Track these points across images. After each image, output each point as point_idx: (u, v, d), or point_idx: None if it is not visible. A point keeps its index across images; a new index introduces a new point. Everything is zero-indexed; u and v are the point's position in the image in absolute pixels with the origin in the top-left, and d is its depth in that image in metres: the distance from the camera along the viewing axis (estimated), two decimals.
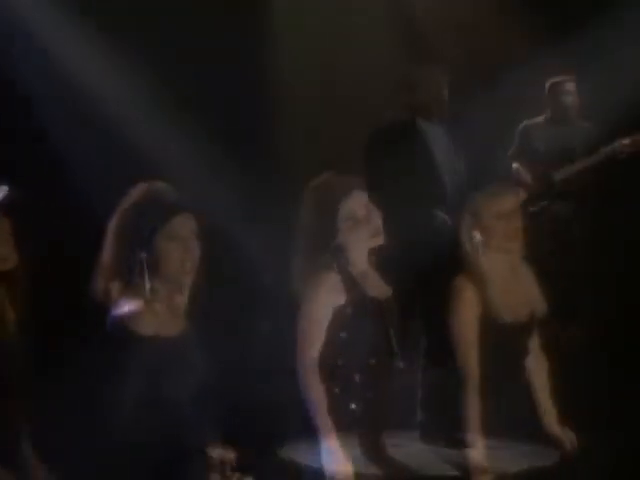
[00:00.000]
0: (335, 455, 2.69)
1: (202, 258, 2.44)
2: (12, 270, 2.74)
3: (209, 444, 2.45)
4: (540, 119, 5.45)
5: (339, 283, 2.82)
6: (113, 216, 2.43)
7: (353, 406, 2.83)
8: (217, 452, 2.46)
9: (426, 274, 3.82)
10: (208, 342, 2.59)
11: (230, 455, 2.49)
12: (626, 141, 5.11)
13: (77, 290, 2.60)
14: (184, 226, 2.42)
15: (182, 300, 2.49)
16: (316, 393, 2.76)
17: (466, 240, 3.20)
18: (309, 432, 2.73)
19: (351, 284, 2.82)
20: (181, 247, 2.40)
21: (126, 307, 2.38)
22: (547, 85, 5.38)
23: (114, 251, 2.42)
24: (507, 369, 3.14)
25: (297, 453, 2.72)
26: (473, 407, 2.99)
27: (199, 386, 2.49)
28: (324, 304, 2.82)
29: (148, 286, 2.38)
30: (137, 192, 2.44)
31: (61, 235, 3.42)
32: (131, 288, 2.41)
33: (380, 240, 2.90)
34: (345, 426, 2.78)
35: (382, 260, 2.96)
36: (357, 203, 2.87)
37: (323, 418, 2.73)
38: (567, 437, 3.15)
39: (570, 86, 5.31)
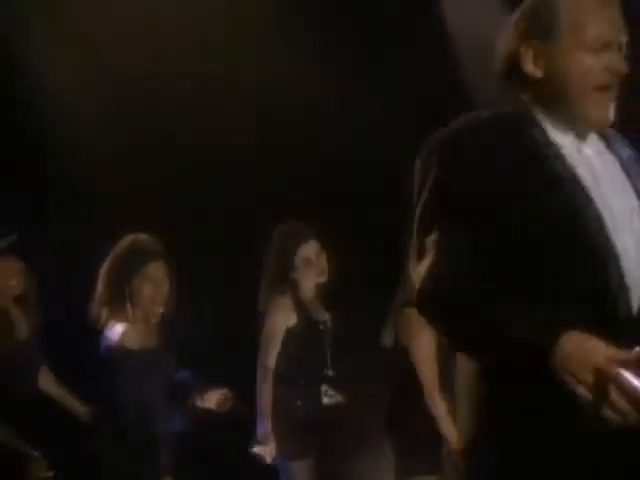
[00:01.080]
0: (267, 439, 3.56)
1: (171, 292, 3.25)
2: (23, 294, 3.53)
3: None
4: None
5: (291, 307, 3.67)
6: (105, 260, 3.24)
7: (299, 403, 3.66)
8: None
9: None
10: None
11: None
12: None
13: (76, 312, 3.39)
14: (157, 270, 3.23)
15: (156, 322, 3.32)
16: (266, 392, 3.60)
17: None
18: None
19: (300, 308, 3.67)
20: (153, 286, 3.21)
21: (115, 327, 3.21)
22: None
23: (104, 287, 3.23)
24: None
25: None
26: (441, 408, 3.47)
27: (170, 386, 3.34)
28: (279, 322, 3.67)
29: (130, 312, 3.20)
30: (124, 242, 3.25)
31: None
32: (117, 313, 3.23)
33: (325, 278, 3.73)
34: (291, 420, 3.62)
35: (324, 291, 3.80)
36: (311, 249, 3.70)
37: (265, 415, 3.58)
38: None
39: None
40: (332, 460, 3.84)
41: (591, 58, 1.83)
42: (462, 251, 1.75)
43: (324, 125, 4.41)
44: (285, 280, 3.69)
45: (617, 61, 1.85)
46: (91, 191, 3.94)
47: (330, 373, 3.84)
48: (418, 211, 1.84)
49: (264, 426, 3.59)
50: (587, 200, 1.83)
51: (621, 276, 1.84)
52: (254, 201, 4.23)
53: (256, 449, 3.59)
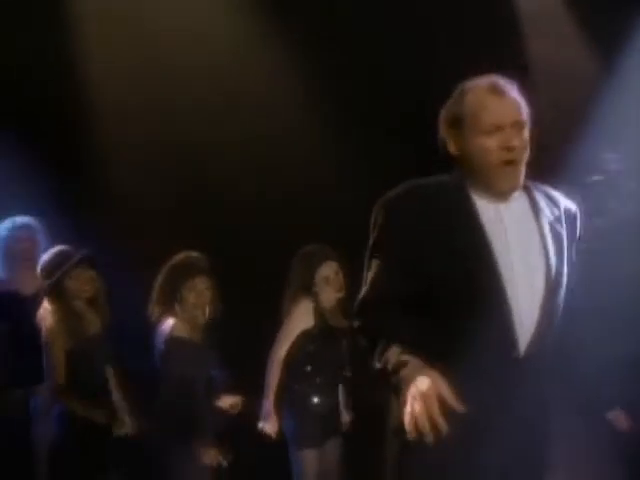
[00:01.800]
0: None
1: (214, 300, 3.99)
2: (94, 297, 4.23)
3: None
4: None
5: (311, 312, 4.30)
6: (162, 270, 4.00)
7: (315, 399, 4.26)
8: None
9: None
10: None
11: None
12: None
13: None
14: (202, 283, 4.00)
15: (202, 321, 4.06)
16: (273, 378, 4.24)
17: None
18: None
19: (318, 314, 4.30)
20: (197, 296, 4.00)
21: (167, 321, 3.97)
22: None
23: (159, 291, 4.01)
24: None
25: None
26: None
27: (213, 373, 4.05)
28: (297, 322, 4.31)
29: (178, 312, 3.97)
30: (179, 257, 4.02)
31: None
32: (168, 312, 3.98)
33: (342, 294, 4.32)
34: (308, 414, 4.22)
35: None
36: (329, 268, 4.33)
37: (268, 396, 4.22)
38: None
39: None
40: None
41: (487, 139, 2.28)
42: (384, 284, 2.31)
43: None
44: (308, 292, 4.30)
45: (509, 138, 2.26)
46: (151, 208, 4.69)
47: (348, 374, 4.43)
48: (367, 252, 2.36)
49: (266, 406, 4.22)
50: (492, 263, 2.26)
51: (511, 327, 2.26)
52: (285, 222, 4.78)
53: (260, 425, 4.21)
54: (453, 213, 2.31)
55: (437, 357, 2.17)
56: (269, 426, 4.21)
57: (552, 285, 2.33)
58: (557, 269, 2.35)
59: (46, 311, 4.06)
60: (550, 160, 2.88)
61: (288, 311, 4.33)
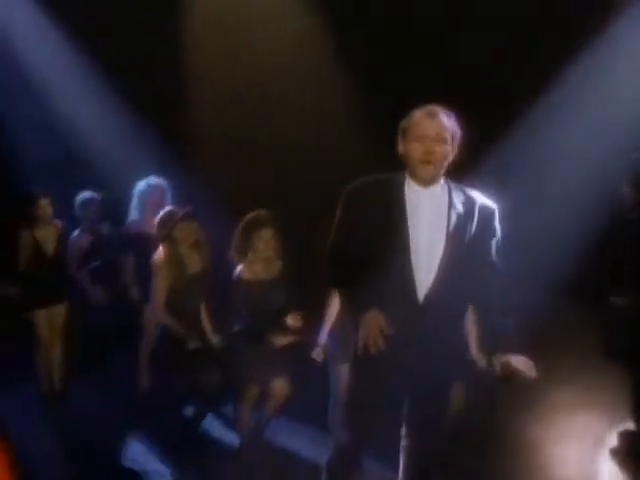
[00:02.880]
0: None
1: (277, 247, 4.99)
2: (196, 242, 5.34)
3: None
4: None
5: None
6: (239, 225, 5.09)
7: None
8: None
9: None
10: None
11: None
12: None
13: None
14: (267, 233, 4.89)
15: (269, 263, 4.99)
16: (329, 315, 4.81)
17: None
18: None
19: None
20: (264, 244, 4.91)
21: (239, 266, 4.98)
22: None
23: (237, 241, 4.99)
24: None
25: None
26: None
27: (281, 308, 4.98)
28: None
29: (250, 257, 4.95)
30: (250, 215, 5.06)
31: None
32: (243, 257, 4.96)
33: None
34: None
35: None
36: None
37: (324, 328, 4.84)
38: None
39: None
40: None
41: (416, 144, 3.39)
42: (341, 239, 3.47)
43: None
44: None
45: (431, 146, 3.36)
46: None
47: None
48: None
49: (321, 335, 4.79)
50: (404, 229, 3.33)
51: (412, 280, 3.32)
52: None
53: (314, 354, 4.80)
54: (388, 197, 3.41)
55: (362, 300, 3.32)
56: (317, 353, 4.82)
57: (448, 255, 3.35)
58: (455, 245, 3.36)
59: (159, 252, 5.15)
60: None
61: None
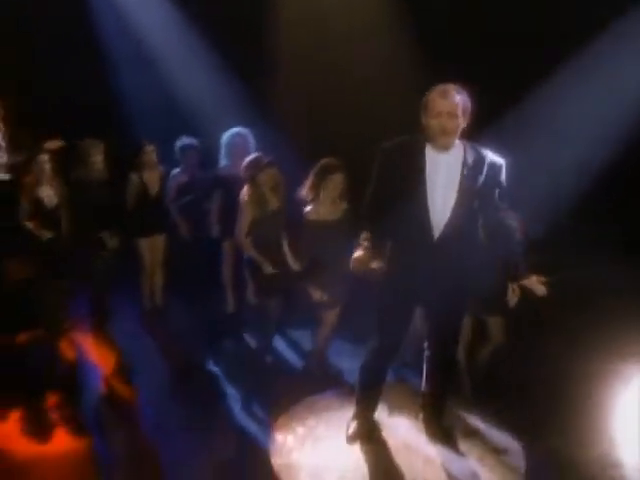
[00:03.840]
0: None
1: (344, 190, 5.72)
2: (275, 185, 6.18)
3: None
4: None
5: None
6: (311, 170, 5.87)
7: None
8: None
9: None
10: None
11: None
12: None
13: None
14: (337, 178, 5.57)
15: (338, 205, 5.70)
16: None
17: None
18: None
19: None
20: (334, 186, 5.60)
21: (308, 207, 5.68)
22: None
23: (309, 184, 5.67)
24: None
25: None
26: None
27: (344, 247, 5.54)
28: None
29: (320, 198, 5.66)
30: (322, 161, 5.85)
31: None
32: (317, 197, 5.66)
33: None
34: None
35: None
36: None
37: None
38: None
39: None
40: None
41: (433, 120, 4.13)
42: (376, 189, 4.26)
43: None
44: None
45: (445, 122, 4.05)
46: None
47: None
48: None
49: None
50: (423, 183, 4.08)
51: (428, 222, 4.08)
52: None
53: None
54: (413, 156, 4.20)
55: (390, 237, 4.17)
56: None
57: (459, 201, 4.14)
58: (465, 194, 4.14)
59: (244, 191, 5.87)
60: None
61: None
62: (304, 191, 5.70)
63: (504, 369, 5.56)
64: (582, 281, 6.90)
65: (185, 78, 7.88)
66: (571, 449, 4.68)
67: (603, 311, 6.49)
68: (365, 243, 4.22)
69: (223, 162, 6.82)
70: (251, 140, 6.71)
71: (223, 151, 6.77)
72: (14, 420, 5.16)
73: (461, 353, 5.46)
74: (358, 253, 4.17)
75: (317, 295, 5.69)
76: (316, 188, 5.68)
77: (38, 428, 5.06)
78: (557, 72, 7.16)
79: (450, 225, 4.14)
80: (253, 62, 7.10)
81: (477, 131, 4.29)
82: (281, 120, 7.04)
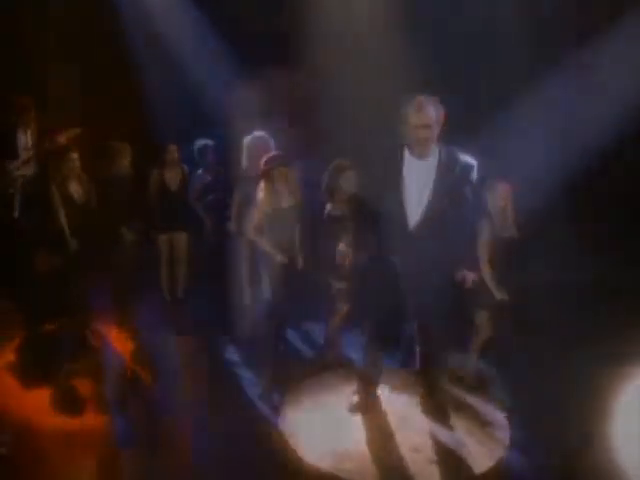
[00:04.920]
0: None
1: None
2: (289, 181, 6.57)
3: None
4: None
5: None
6: (327, 171, 6.25)
7: None
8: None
9: None
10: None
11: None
12: None
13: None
14: (351, 176, 5.97)
15: (351, 199, 5.93)
16: None
17: None
18: None
19: None
20: (347, 184, 5.97)
21: (328, 204, 6.19)
22: None
23: (327, 181, 6.12)
24: None
25: None
26: None
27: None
28: None
29: (337, 194, 6.10)
30: (336, 162, 6.20)
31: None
32: (333, 194, 6.10)
33: None
34: None
35: None
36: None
37: None
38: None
39: None
40: None
41: (410, 132, 4.55)
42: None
43: None
44: None
45: (421, 133, 4.54)
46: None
47: None
48: None
49: None
50: (401, 186, 4.66)
51: (404, 215, 4.69)
52: None
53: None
54: (393, 162, 4.74)
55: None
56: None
57: (432, 198, 4.67)
58: (438, 193, 4.67)
59: (260, 187, 6.13)
60: None
61: None
62: (322, 190, 6.17)
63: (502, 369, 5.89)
64: (582, 281, 7.16)
65: (209, 81, 8.21)
66: (571, 449, 4.87)
67: (603, 311, 6.70)
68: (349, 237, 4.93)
69: (244, 164, 7.13)
70: (271, 143, 7.00)
71: (245, 153, 7.07)
72: (44, 397, 5.49)
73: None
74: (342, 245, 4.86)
75: (339, 285, 6.07)
76: (332, 184, 6.11)
77: (66, 405, 5.41)
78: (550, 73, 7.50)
79: (424, 218, 4.65)
80: (277, 66, 7.49)
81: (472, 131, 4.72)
82: (297, 121, 7.37)
